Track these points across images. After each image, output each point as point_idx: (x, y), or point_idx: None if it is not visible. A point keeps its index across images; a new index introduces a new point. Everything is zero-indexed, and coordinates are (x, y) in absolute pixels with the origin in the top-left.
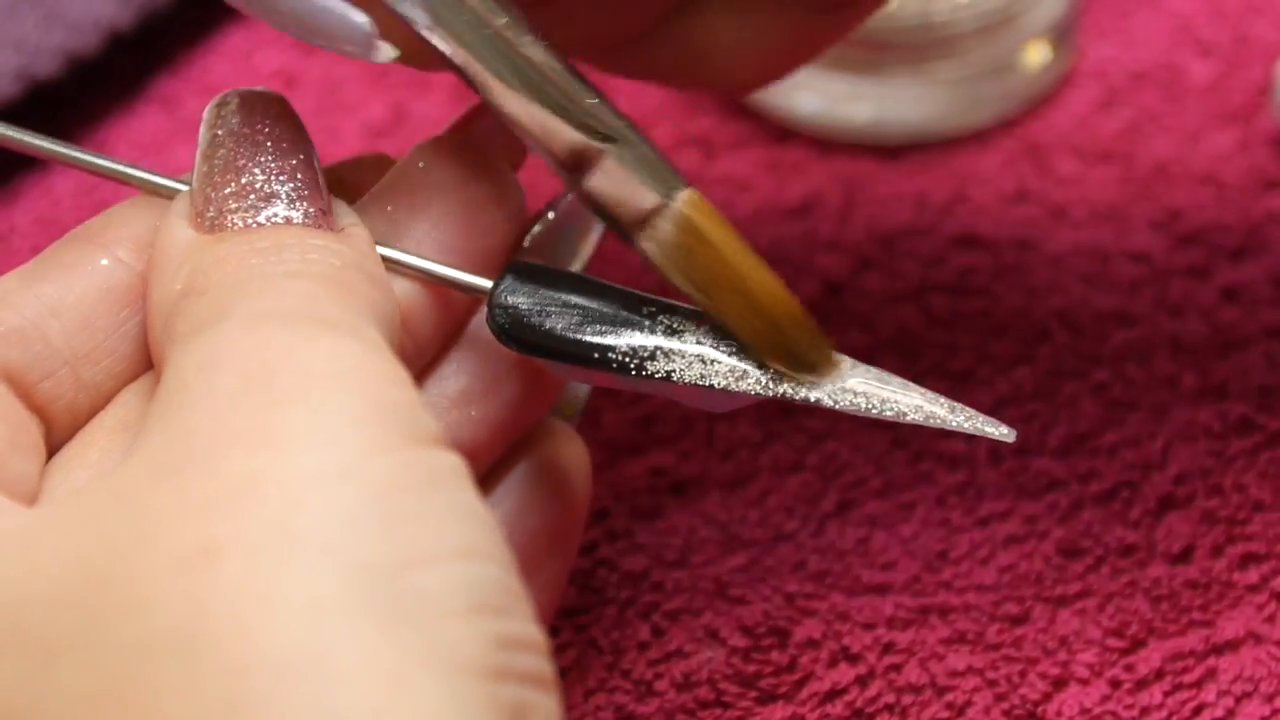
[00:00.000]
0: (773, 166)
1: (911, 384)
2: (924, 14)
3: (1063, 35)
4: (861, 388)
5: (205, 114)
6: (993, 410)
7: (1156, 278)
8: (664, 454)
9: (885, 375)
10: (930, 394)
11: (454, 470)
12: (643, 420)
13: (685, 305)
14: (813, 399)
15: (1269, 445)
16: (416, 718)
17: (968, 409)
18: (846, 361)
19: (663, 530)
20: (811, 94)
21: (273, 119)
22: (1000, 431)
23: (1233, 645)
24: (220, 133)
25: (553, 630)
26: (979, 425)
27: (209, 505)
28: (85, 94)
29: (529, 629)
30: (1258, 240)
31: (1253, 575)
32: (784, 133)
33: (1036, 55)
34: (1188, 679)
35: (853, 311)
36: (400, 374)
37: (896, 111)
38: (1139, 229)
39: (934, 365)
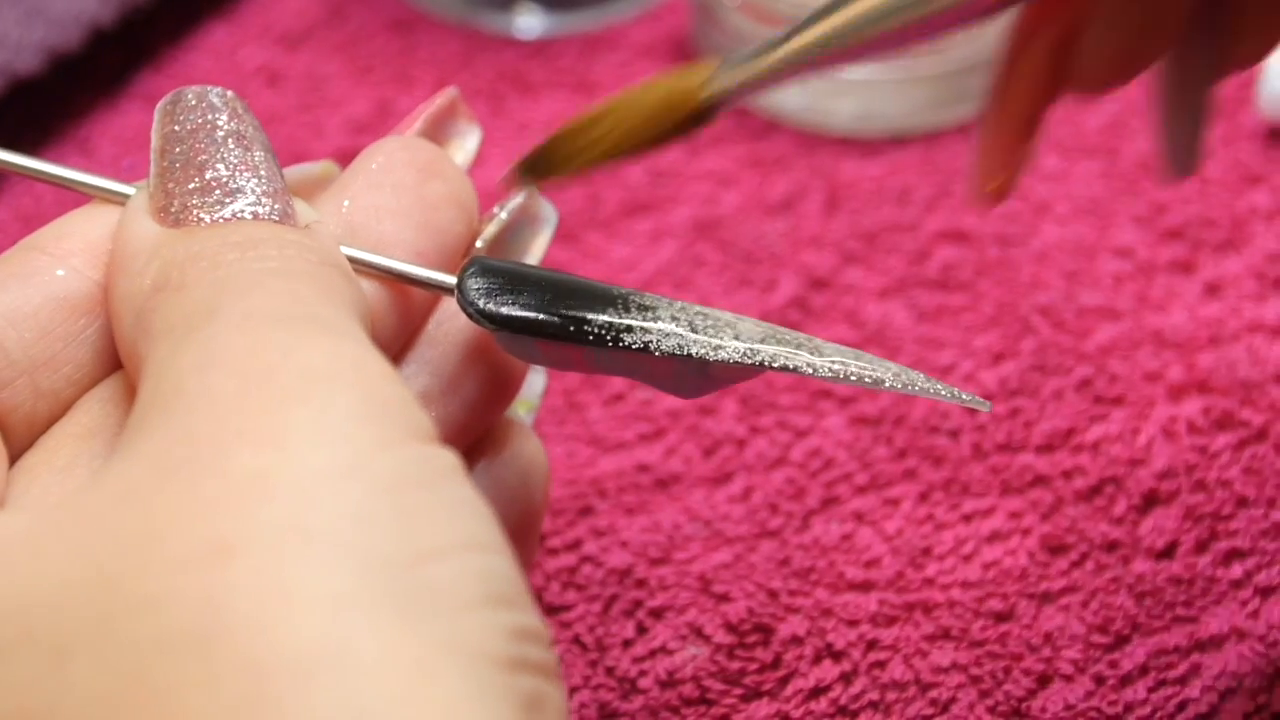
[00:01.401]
0: (756, 162)
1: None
2: None
3: None
4: (836, 358)
5: (157, 113)
6: None
7: (1140, 272)
8: (648, 450)
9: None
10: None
11: (452, 466)
12: (627, 416)
13: (653, 294)
14: (790, 367)
15: (1253, 441)
16: (440, 710)
17: (936, 381)
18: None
19: (647, 527)
20: (794, 89)
21: (229, 115)
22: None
23: (1216, 641)
24: (177, 129)
25: None
26: (956, 395)
27: (217, 504)
28: (68, 90)
29: (535, 620)
30: (1241, 235)
31: (1236, 571)
32: (767, 128)
33: None
34: (1171, 675)
35: (836, 306)
36: (392, 371)
37: (880, 106)
38: (1122, 224)
39: (917, 360)
